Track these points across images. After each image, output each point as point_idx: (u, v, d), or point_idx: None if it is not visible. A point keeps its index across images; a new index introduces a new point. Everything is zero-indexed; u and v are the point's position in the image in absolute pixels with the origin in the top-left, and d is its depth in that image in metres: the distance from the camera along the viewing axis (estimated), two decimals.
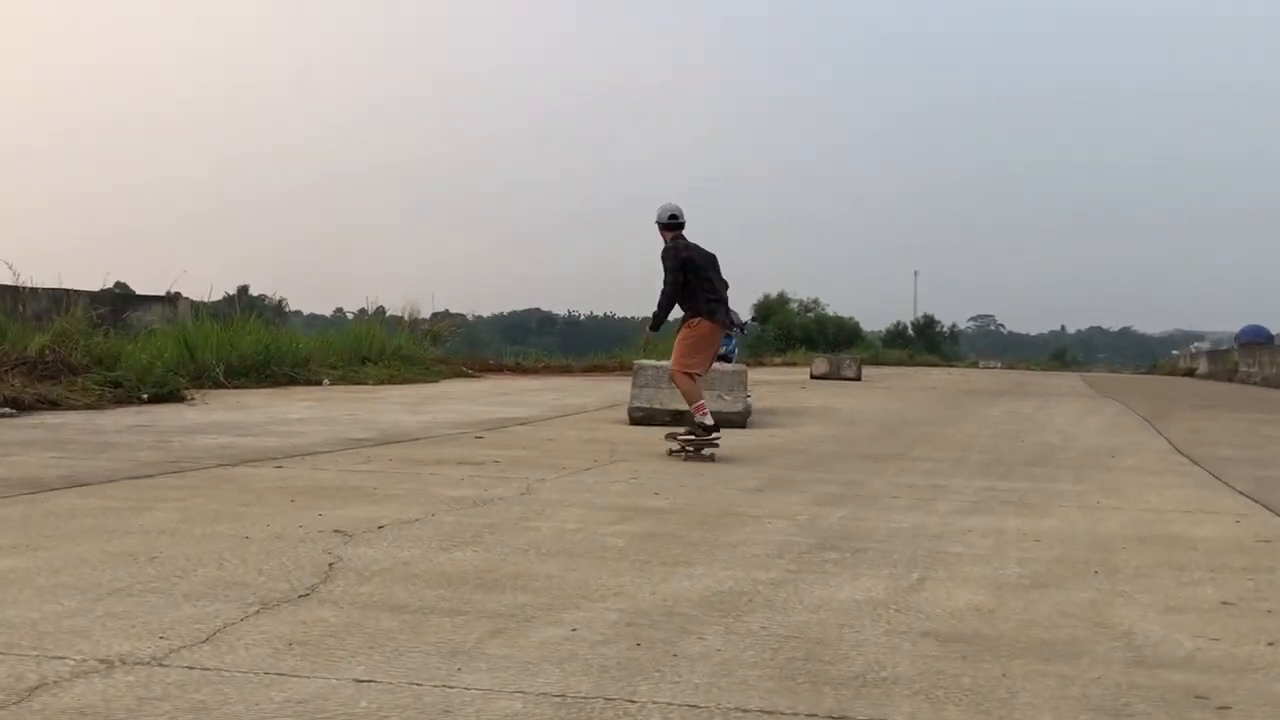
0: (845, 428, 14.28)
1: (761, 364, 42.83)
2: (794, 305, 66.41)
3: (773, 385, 24.03)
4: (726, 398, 13.50)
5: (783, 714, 3.25)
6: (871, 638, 4.10)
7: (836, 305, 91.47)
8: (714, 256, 10.77)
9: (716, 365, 13.82)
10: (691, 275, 10.49)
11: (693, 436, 10.19)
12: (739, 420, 13.33)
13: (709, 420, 10.18)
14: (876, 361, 53.34)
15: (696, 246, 10.70)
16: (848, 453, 11.09)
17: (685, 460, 9.91)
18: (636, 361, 14.48)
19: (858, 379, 30.87)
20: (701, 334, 10.55)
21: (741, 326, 16.79)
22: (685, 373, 10.45)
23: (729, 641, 3.98)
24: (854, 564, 5.48)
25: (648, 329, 11.63)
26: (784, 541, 6.02)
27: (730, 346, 15.74)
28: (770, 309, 61.24)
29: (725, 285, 10.86)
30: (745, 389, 13.75)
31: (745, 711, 3.25)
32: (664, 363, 14.27)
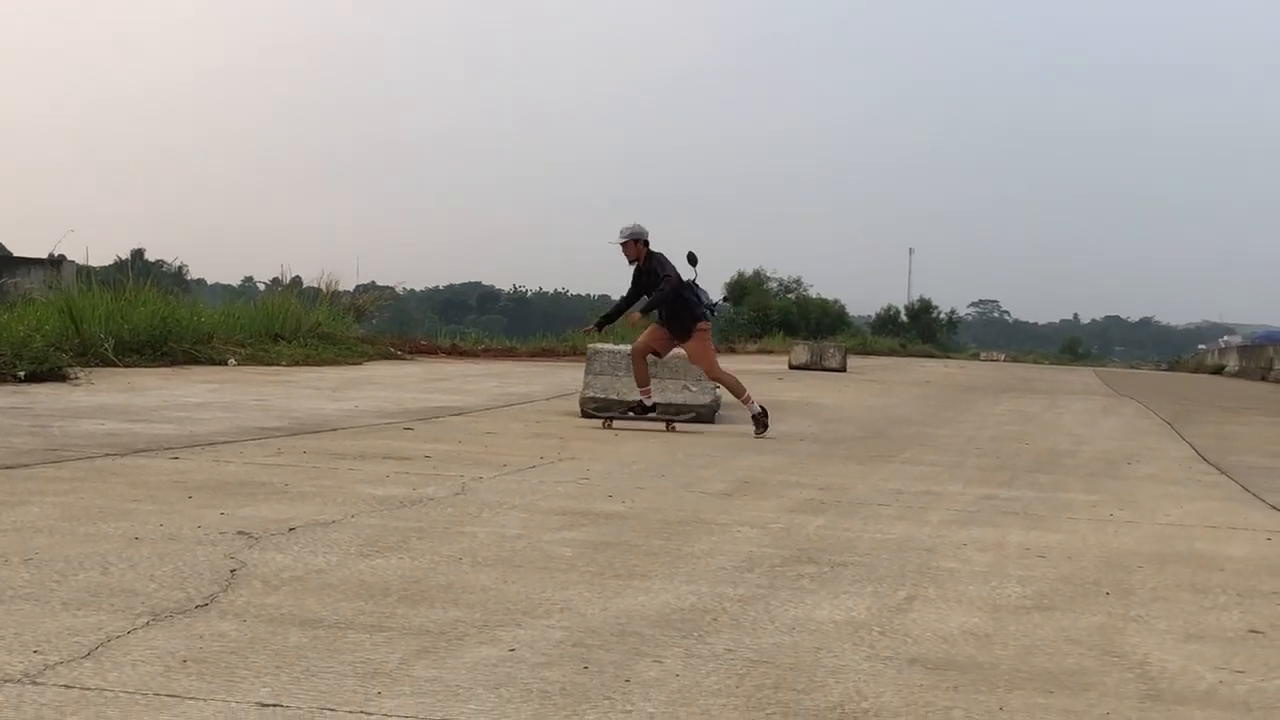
0: (827, 425, 14.35)
1: (734, 350, 42.95)
2: (772, 285, 66.50)
3: (746, 376, 23.94)
4: (693, 388, 13.54)
5: None
6: (852, 663, 4.12)
7: (820, 286, 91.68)
8: None
9: (680, 352, 13.97)
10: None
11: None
12: (706, 414, 13.38)
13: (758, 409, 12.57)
14: (865, 350, 53.60)
15: None
16: (829, 454, 11.14)
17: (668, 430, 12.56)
18: (590, 345, 14.48)
19: (842, 370, 31.01)
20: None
21: (711, 307, 16.83)
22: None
23: (689, 665, 3.99)
24: (833, 580, 5.50)
25: (631, 314, 13.15)
26: (754, 553, 6.04)
27: None
28: (745, 288, 61.26)
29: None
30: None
31: None
32: (621, 347, 14.30)
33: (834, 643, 4.39)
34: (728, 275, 62.87)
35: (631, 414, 12.80)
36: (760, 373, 26.19)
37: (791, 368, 31.08)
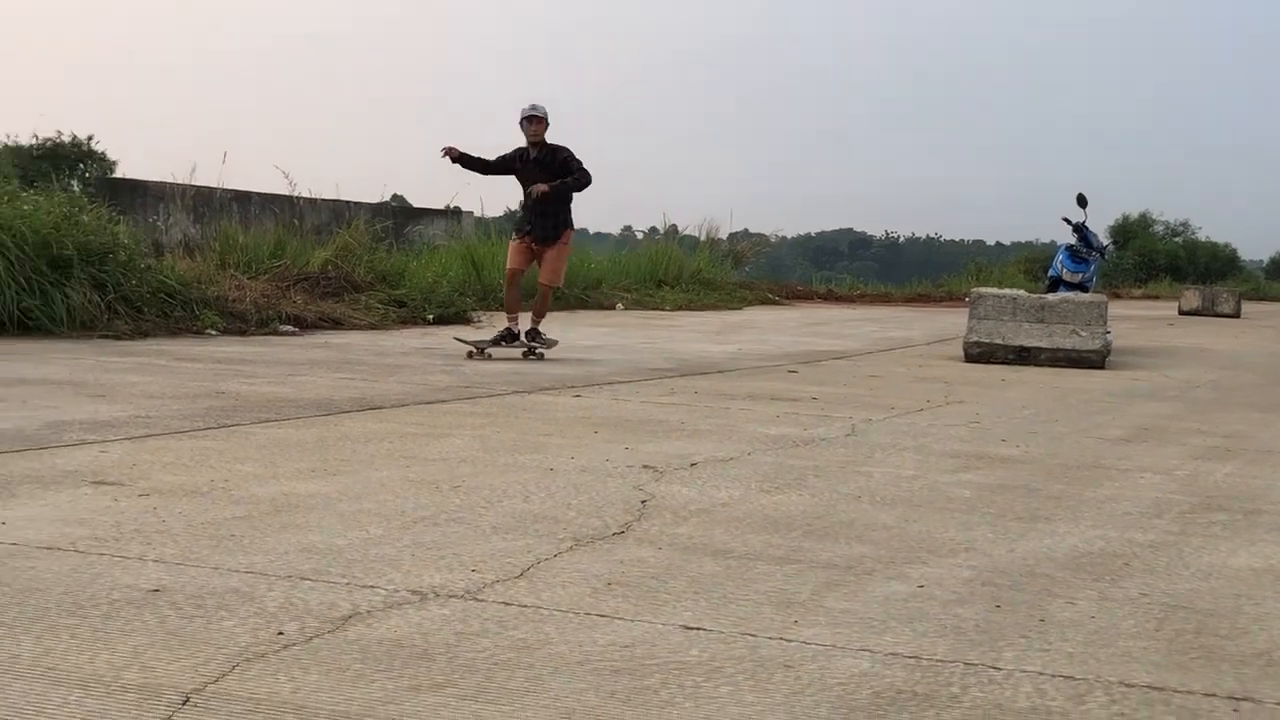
0: (1224, 372, 13.67)
1: (1118, 296, 41.32)
2: (1158, 229, 63.63)
3: (1133, 321, 23.16)
4: (1082, 333, 13.11)
5: (1175, 691, 3.18)
6: (1275, 611, 3.95)
7: (1210, 229, 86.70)
8: None
9: (1072, 296, 13.60)
10: None
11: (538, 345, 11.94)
12: (1097, 360, 12.93)
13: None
14: (1259, 295, 50.72)
15: None
16: (1229, 401, 10.64)
17: (527, 358, 11.76)
18: (975, 290, 14.21)
19: (1236, 316, 29.42)
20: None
21: (1101, 251, 16.29)
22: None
23: (1104, 608, 3.91)
24: (1247, 528, 5.27)
25: (548, 190, 11.77)
26: (1160, 499, 5.84)
27: (1087, 274, 15.29)
28: (1130, 232, 58.74)
29: None
30: (1105, 324, 13.32)
31: (1130, 687, 3.19)
32: (1005, 291, 13.98)
33: (1254, 590, 4.21)
34: (1112, 218, 60.37)
35: (503, 343, 11.89)
36: (1148, 318, 25.23)
37: (1181, 313, 29.70)
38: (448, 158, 11.83)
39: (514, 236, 12.21)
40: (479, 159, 11.93)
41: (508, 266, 12.10)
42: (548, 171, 11.65)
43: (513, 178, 12.03)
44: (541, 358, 11.73)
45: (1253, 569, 4.52)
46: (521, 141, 11.84)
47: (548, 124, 11.78)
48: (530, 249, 11.94)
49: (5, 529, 4.34)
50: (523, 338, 11.92)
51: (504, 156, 11.95)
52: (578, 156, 11.75)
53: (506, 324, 12.10)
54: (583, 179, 11.74)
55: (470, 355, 11.64)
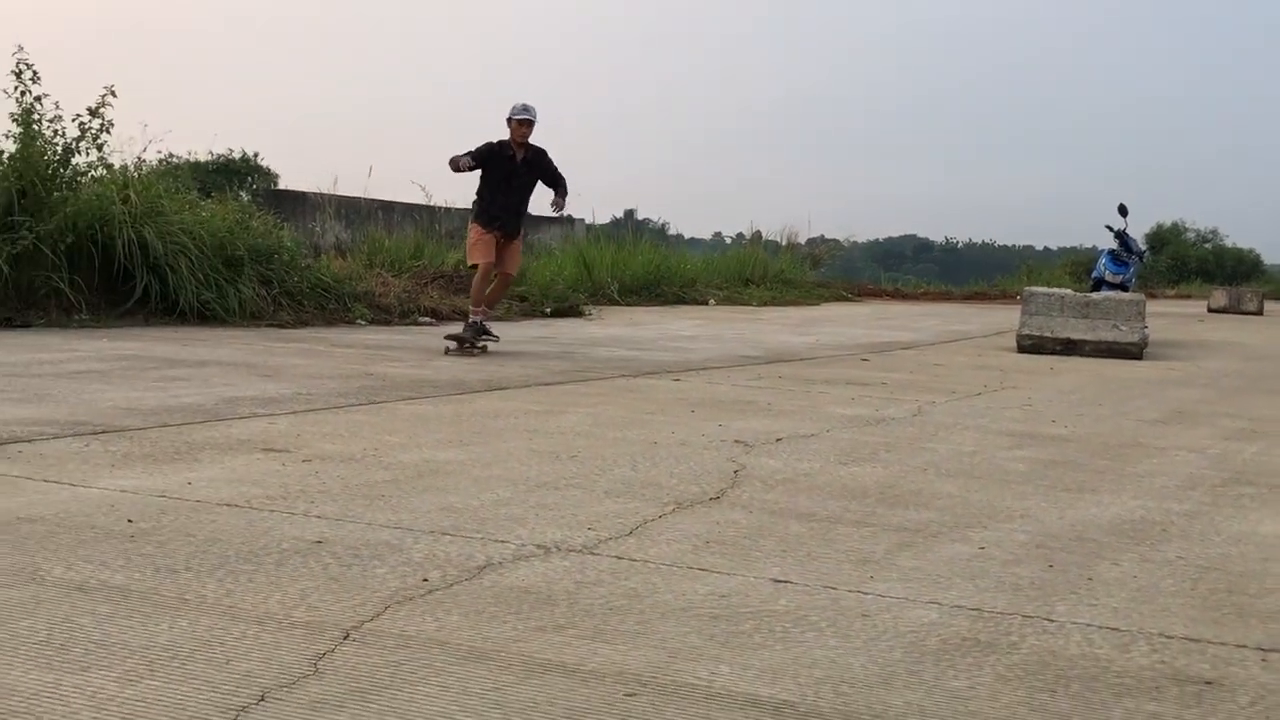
0: (1250, 363, 13.36)
1: (1153, 296, 40.52)
2: (1190, 236, 62.34)
3: (1167, 318, 22.68)
4: (1122, 327, 12.88)
5: (1209, 642, 3.13)
6: None
7: (1236, 236, 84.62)
8: None
9: (1113, 294, 13.37)
10: None
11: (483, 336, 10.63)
12: (1135, 351, 12.70)
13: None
14: None
15: None
16: (1254, 388, 10.40)
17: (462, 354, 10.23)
18: (1027, 288, 14.02)
19: (1259, 313, 28.74)
20: None
21: (1140, 255, 16.01)
22: None
23: (1145, 569, 3.85)
24: (1273, 500, 5.16)
25: (560, 204, 10.90)
26: (1194, 474, 5.74)
27: (1127, 275, 15.04)
28: (1164, 239, 57.68)
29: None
30: (1142, 319, 13.08)
31: (1169, 638, 3.15)
32: (1055, 290, 13.77)
33: None
34: (1149, 226, 59.27)
35: (483, 337, 10.47)
36: (1181, 315, 24.72)
37: (1210, 311, 29.05)
38: (462, 170, 10.60)
39: (481, 230, 10.59)
40: (471, 162, 10.46)
41: (484, 260, 10.55)
42: (535, 172, 10.66)
43: (480, 169, 10.56)
44: (485, 350, 10.46)
45: (1278, 535, 4.43)
46: (502, 133, 10.63)
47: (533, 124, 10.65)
48: (497, 242, 10.57)
49: (191, 488, 4.44)
50: (469, 329, 10.55)
51: (482, 151, 10.50)
52: (555, 164, 10.76)
53: (473, 316, 10.59)
54: (563, 191, 10.75)
55: (448, 351, 10.26)
